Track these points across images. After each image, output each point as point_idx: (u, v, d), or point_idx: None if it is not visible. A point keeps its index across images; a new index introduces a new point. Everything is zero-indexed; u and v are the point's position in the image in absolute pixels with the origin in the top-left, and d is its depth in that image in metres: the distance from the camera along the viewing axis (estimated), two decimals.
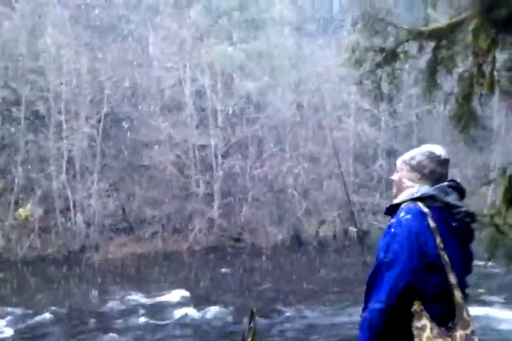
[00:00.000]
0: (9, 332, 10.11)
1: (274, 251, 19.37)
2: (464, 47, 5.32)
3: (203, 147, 21.43)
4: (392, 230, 1.79)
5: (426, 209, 1.79)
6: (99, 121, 20.07)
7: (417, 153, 1.93)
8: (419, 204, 1.81)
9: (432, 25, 5.78)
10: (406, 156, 1.98)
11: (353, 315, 9.00)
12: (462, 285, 1.76)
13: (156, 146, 20.74)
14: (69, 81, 19.52)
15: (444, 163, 1.90)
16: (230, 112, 21.82)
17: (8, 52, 18.98)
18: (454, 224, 1.79)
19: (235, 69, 22.21)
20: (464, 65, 5.47)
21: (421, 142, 2.00)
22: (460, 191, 1.87)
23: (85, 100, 19.86)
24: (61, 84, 19.25)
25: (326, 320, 10.40)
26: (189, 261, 18.22)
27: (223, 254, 18.85)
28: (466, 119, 5.36)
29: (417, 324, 1.69)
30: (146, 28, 22.64)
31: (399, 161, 2.01)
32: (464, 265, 1.81)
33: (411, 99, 21.19)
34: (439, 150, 1.91)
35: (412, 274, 1.71)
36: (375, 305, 1.73)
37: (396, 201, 1.92)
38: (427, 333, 1.67)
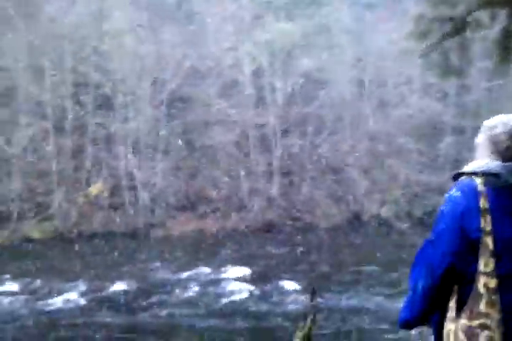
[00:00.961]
0: (82, 302, 10.80)
1: (334, 231, 19.27)
2: None
3: (262, 126, 21.48)
4: (441, 208, 1.71)
5: (482, 188, 1.65)
6: (161, 101, 20.64)
7: (500, 123, 1.75)
8: (478, 180, 1.67)
9: None
10: (489, 122, 1.80)
11: None
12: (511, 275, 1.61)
13: (216, 126, 21.05)
14: (133, 64, 20.11)
15: None
16: (289, 90, 21.63)
17: (75, 36, 19.77)
18: None
19: (294, 46, 21.88)
20: None
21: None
22: None
23: (148, 82, 20.43)
24: (126, 67, 19.88)
25: (379, 303, 10.30)
26: (248, 239, 18.56)
27: (282, 233, 19.01)
28: None
29: (450, 304, 1.66)
30: (205, 8, 22.71)
31: (483, 124, 1.84)
32: None
33: (481, 73, 19.98)
34: None
35: (454, 256, 1.63)
36: (419, 282, 1.69)
37: (463, 170, 1.79)
38: (449, 314, 1.64)
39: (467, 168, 1.75)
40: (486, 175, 1.68)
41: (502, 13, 5.37)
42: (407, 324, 1.77)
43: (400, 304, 1.88)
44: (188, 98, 21.58)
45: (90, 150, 19.49)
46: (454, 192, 1.70)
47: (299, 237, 18.38)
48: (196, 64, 21.83)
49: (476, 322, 1.58)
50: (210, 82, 21.71)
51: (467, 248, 1.63)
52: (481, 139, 1.80)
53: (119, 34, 19.88)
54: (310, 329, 3.38)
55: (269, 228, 19.53)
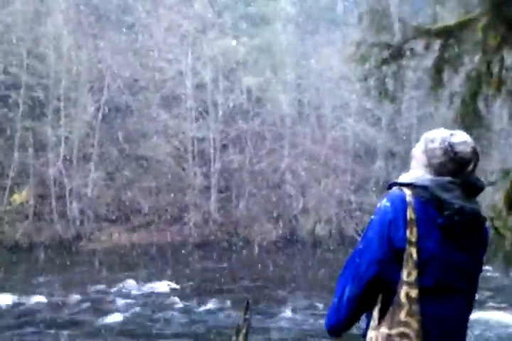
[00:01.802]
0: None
1: (269, 247, 19.33)
2: (472, 45, 5.23)
3: (201, 140, 21.34)
4: (372, 217, 1.70)
5: (410, 199, 1.64)
6: (97, 109, 19.97)
7: (439, 138, 1.72)
8: (408, 191, 1.66)
9: (440, 23, 5.70)
10: (429, 134, 1.76)
11: None
12: (435, 286, 1.61)
13: (155, 137, 20.65)
14: (69, 68, 19.37)
15: (460, 161, 1.67)
16: (231, 106, 21.72)
17: (9, 37, 18.80)
18: (439, 221, 1.63)
19: (237, 63, 22.09)
20: (471, 63, 5.39)
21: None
22: (469, 189, 1.67)
23: (85, 88, 19.74)
24: (61, 71, 19.11)
25: (315, 318, 10.37)
26: (182, 253, 18.16)
27: (217, 248, 18.79)
28: (470, 119, 5.28)
29: (374, 312, 1.64)
30: (149, 18, 22.46)
31: (423, 136, 1.80)
32: (446, 265, 1.64)
33: (413, 101, 21.13)
34: (462, 147, 1.68)
35: (380, 265, 1.62)
36: (346, 290, 1.68)
37: (398, 180, 1.79)
38: (372, 323, 1.63)
39: (401, 179, 1.75)
40: (415, 186, 1.68)
41: (436, 43, 5.66)
42: (334, 330, 1.74)
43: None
44: (127, 107, 21.06)
45: (16, 156, 18.35)
46: (384, 202, 1.68)
47: (233, 253, 18.25)
48: (137, 73, 21.42)
49: (395, 331, 1.57)
50: (150, 92, 21.35)
51: (392, 257, 1.61)
52: (418, 151, 1.77)
53: (55, 37, 19.12)
54: None
55: (204, 243, 19.26)
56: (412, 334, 1.57)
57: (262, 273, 15.58)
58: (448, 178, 1.67)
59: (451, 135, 1.74)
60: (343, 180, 22.36)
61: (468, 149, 1.69)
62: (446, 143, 1.69)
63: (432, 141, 1.73)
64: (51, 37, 19.02)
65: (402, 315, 1.57)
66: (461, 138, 1.71)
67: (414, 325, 1.57)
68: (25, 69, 18.68)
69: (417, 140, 1.83)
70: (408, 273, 1.59)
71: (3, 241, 17.03)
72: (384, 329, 1.58)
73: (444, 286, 1.63)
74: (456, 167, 1.69)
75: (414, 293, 1.59)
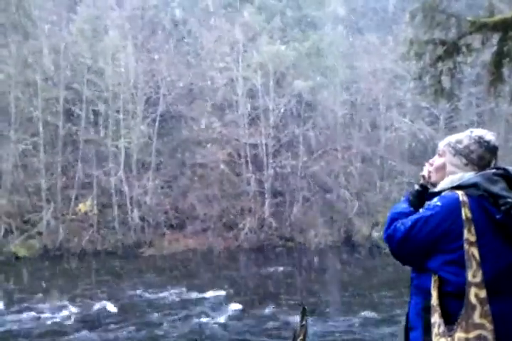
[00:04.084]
0: (69, 322, 10.53)
1: (325, 251, 19.15)
2: None
3: (254, 146, 21.52)
4: (418, 216, 1.69)
5: (464, 198, 1.63)
6: (154, 120, 20.68)
7: (465, 137, 1.77)
8: (459, 192, 1.65)
9: (498, 16, 5.48)
10: (451, 139, 1.81)
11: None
12: (496, 284, 1.58)
13: (209, 145, 21.06)
14: (127, 81, 20.21)
15: (493, 149, 1.74)
16: (282, 111, 21.78)
17: (71, 54, 19.89)
18: (497, 217, 1.59)
19: (287, 68, 22.15)
20: None
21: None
22: (510, 180, 1.67)
23: (142, 100, 20.51)
24: (119, 84, 19.98)
25: (372, 325, 10.13)
26: (238, 258, 18.36)
27: (273, 253, 18.84)
28: None
29: (432, 319, 1.62)
30: (200, 29, 23.02)
31: (442, 144, 1.85)
32: (507, 262, 1.61)
33: (472, 97, 20.31)
34: (489, 136, 1.75)
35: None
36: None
37: (436, 189, 1.78)
38: (435, 330, 1.60)
39: (440, 186, 1.76)
40: (464, 187, 1.67)
41: (494, 37, 5.45)
42: None
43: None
44: (181, 116, 21.65)
45: (80, 167, 19.33)
46: (436, 201, 1.68)
47: (289, 258, 18.22)
48: (190, 83, 21.99)
49: (473, 334, 1.55)
50: (203, 101, 21.83)
51: (441, 259, 1.62)
52: (447, 157, 1.79)
53: (114, 52, 20.02)
54: None
55: (259, 248, 19.37)
56: (489, 336, 1.55)
57: (318, 277, 15.45)
58: (492, 170, 1.68)
59: (471, 132, 1.79)
60: (400, 182, 21.78)
61: (494, 138, 1.76)
62: (475, 136, 1.74)
63: (459, 142, 1.79)
64: (109, 52, 19.94)
65: (476, 317, 1.55)
66: (482, 131, 1.78)
67: (489, 326, 1.55)
68: (86, 84, 19.67)
69: None
70: (473, 274, 1.57)
71: (70, 249, 17.91)
72: (460, 334, 1.55)
73: (507, 284, 1.61)
74: (491, 156, 1.74)
75: (482, 293, 1.57)
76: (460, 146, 1.76)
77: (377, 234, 20.80)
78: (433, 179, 1.85)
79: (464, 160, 1.74)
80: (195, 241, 19.24)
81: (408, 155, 22.09)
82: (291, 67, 22.27)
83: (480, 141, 1.74)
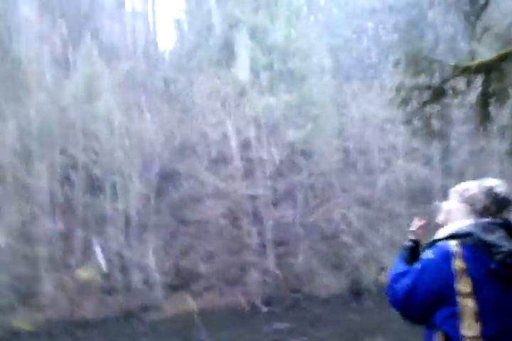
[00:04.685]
0: None
1: (335, 301, 18.59)
2: None
3: (252, 198, 21.48)
4: (412, 275, 1.71)
5: (455, 249, 1.62)
6: (150, 179, 20.73)
7: (474, 186, 1.81)
8: (452, 242, 1.66)
9: (479, 59, 5.65)
10: (461, 186, 1.87)
11: None
12: (503, 339, 1.51)
13: (206, 200, 20.99)
14: (121, 143, 20.46)
15: (502, 201, 1.73)
16: (277, 162, 21.96)
17: (66, 118, 20.25)
18: (492, 266, 1.56)
19: (279, 119, 22.60)
20: None
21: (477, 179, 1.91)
22: (510, 229, 1.66)
23: (137, 160, 20.67)
24: (114, 146, 20.20)
25: None
26: (247, 315, 17.74)
27: (282, 306, 18.26)
28: None
29: None
30: (191, 87, 23.69)
31: (452, 190, 1.91)
32: (509, 312, 1.55)
33: (462, 137, 20.61)
34: (500, 188, 1.76)
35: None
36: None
37: (436, 237, 1.78)
38: None
39: (440, 234, 1.80)
40: (459, 236, 1.66)
41: (477, 79, 5.60)
42: None
43: None
44: (177, 174, 21.73)
45: (79, 232, 19.09)
46: (428, 256, 1.69)
47: (298, 310, 17.66)
48: (184, 140, 22.30)
49: None
50: (198, 157, 22.04)
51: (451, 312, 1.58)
52: (453, 203, 1.86)
53: (107, 114, 20.43)
54: None
55: (268, 302, 18.79)
56: None
57: (330, 330, 14.89)
58: (487, 219, 1.69)
59: (483, 181, 1.83)
60: (400, 224, 21.59)
61: (506, 190, 1.77)
62: (484, 186, 1.77)
63: (467, 189, 1.84)
64: (102, 115, 20.33)
65: None
66: (495, 182, 1.79)
67: None
68: (81, 149, 19.87)
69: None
70: (469, 326, 1.50)
71: (71, 317, 17.29)
72: None
73: (508, 333, 1.53)
74: (498, 208, 1.74)
75: None
76: (468, 194, 1.79)
77: (384, 278, 20.31)
78: (442, 222, 1.94)
79: (469, 208, 1.76)
80: (201, 300, 18.67)
81: (406, 196, 22.07)
82: (282, 118, 22.73)
83: (488, 192, 1.74)
